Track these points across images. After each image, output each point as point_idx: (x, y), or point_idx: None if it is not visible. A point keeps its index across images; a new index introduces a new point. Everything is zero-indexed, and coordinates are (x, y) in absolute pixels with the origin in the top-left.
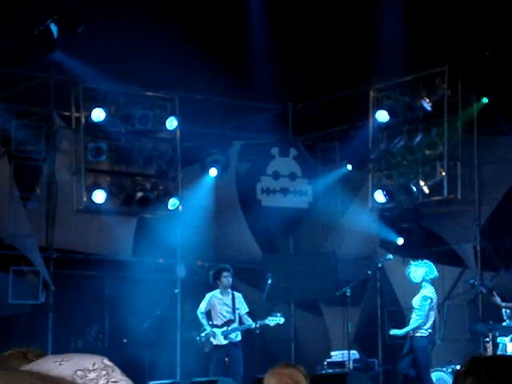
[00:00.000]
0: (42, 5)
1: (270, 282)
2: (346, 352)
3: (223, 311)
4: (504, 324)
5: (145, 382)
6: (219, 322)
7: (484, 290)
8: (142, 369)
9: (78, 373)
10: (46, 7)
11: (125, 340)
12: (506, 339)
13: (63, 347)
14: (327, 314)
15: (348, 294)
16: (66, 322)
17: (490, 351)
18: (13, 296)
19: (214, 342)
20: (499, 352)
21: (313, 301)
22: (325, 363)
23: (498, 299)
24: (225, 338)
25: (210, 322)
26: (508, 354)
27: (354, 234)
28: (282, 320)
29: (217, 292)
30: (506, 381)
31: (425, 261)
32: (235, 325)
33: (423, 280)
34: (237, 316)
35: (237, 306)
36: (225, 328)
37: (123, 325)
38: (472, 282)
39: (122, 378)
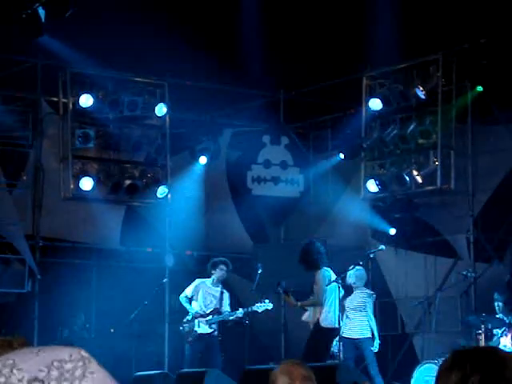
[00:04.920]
0: None
1: (260, 272)
2: (336, 343)
3: (207, 301)
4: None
5: (132, 372)
6: (199, 311)
7: (281, 292)
8: (130, 359)
9: (55, 363)
10: None
11: (112, 330)
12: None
13: (49, 336)
14: None
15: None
16: (52, 312)
17: (482, 344)
18: None
19: (199, 331)
20: (492, 344)
21: (303, 291)
22: None
23: (292, 300)
24: (209, 326)
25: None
26: (500, 346)
27: (345, 223)
28: (270, 305)
29: (208, 281)
30: (493, 372)
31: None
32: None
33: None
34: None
35: (222, 302)
36: (210, 317)
37: (110, 314)
38: (465, 273)
39: (99, 368)
